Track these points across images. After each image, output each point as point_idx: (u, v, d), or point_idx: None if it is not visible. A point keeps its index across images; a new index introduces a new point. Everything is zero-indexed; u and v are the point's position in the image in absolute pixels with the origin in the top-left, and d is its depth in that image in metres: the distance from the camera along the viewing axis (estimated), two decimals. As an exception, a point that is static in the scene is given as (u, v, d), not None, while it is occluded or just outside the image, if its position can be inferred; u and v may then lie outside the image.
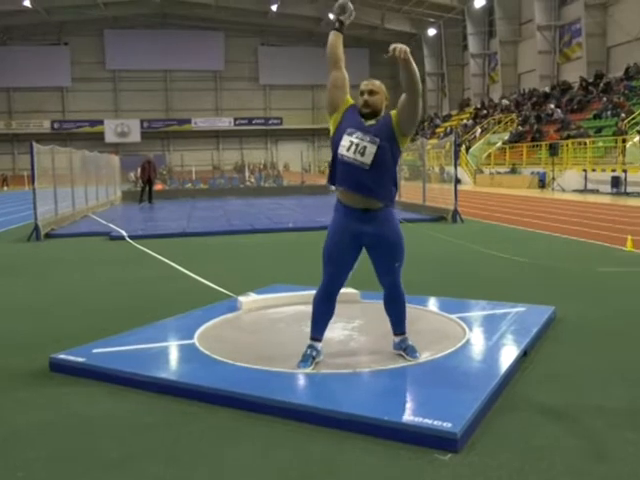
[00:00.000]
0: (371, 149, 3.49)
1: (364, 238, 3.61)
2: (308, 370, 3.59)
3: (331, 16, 3.87)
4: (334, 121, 3.65)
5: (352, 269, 3.70)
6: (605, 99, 27.20)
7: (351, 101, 3.66)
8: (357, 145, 3.50)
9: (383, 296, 3.83)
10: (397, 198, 3.85)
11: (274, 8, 44.18)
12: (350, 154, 3.52)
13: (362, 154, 3.50)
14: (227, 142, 51.69)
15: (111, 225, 13.09)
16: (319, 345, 3.76)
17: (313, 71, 51.30)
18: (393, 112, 3.60)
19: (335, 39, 3.66)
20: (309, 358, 3.66)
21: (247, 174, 33.58)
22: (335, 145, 3.60)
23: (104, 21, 46.91)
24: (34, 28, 46.17)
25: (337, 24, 3.67)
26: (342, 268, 3.65)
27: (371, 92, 3.57)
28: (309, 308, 3.82)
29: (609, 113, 25.89)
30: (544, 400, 3.30)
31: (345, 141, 3.54)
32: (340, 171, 3.58)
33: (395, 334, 3.87)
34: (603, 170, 22.23)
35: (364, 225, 3.58)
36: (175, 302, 5.77)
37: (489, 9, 40.43)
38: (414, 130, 3.64)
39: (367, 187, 3.52)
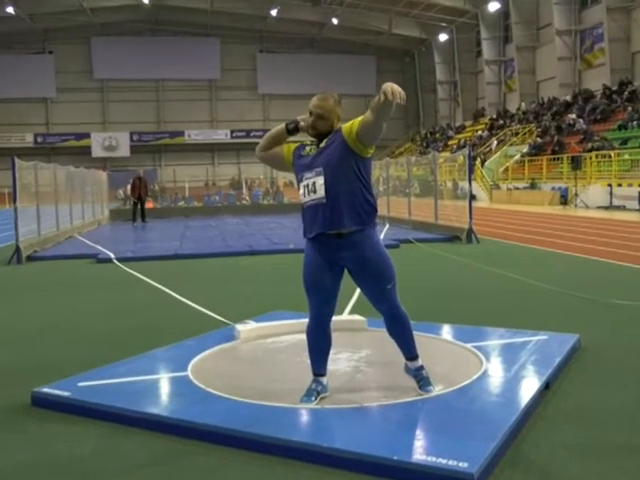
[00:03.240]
0: (319, 181, 3.57)
1: (343, 262, 3.67)
2: (311, 405, 3.59)
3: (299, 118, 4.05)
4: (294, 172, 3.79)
5: (337, 295, 3.73)
6: (630, 108, 27.32)
7: (292, 146, 3.80)
8: (307, 185, 3.62)
9: (385, 323, 3.83)
10: (379, 212, 3.91)
11: (273, 13, 44.67)
12: (307, 198, 3.63)
13: (314, 191, 3.59)
14: (223, 156, 51.99)
15: (98, 247, 13.13)
16: (324, 380, 3.76)
17: (315, 79, 51.62)
18: (345, 126, 3.60)
19: (282, 137, 3.79)
20: (313, 392, 3.67)
21: (245, 190, 33.68)
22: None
23: (91, 28, 47.43)
24: (17, 36, 46.70)
25: (292, 126, 3.75)
26: (326, 295, 3.68)
27: (320, 117, 3.63)
28: (312, 337, 3.83)
29: (635, 123, 25.99)
30: (568, 437, 3.29)
31: (300, 190, 3.67)
32: (306, 219, 3.68)
33: (407, 359, 3.84)
34: (630, 185, 22.24)
35: (341, 251, 3.62)
36: (167, 330, 5.77)
37: (504, 13, 40.82)
38: (376, 141, 3.65)
39: (330, 220, 3.56)
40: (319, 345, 3.75)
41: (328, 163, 3.57)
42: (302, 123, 3.70)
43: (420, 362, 3.83)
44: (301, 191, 3.66)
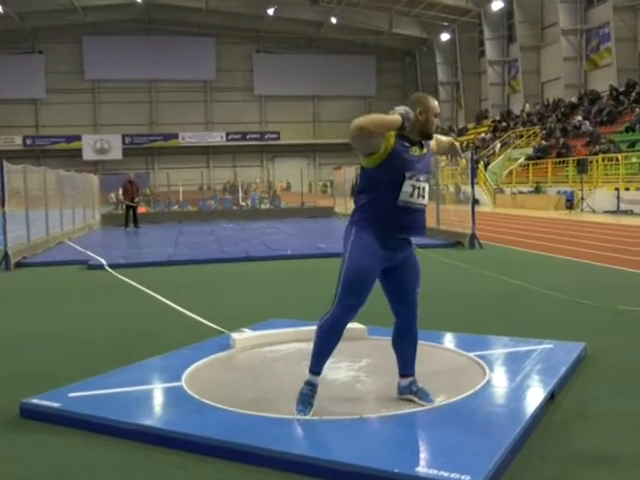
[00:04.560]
0: (427, 188, 3.71)
1: (391, 263, 3.69)
2: (309, 416, 3.59)
3: (404, 111, 3.97)
4: (379, 157, 3.61)
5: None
6: (638, 110, 27.41)
7: (392, 134, 3.59)
8: (419, 188, 3.63)
9: (395, 330, 3.82)
10: None
11: (270, 12, 44.80)
12: (415, 200, 3.62)
13: (424, 196, 3.67)
14: (218, 159, 52.05)
15: (89, 252, 13.13)
16: (318, 379, 3.72)
17: (313, 81, 51.90)
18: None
19: (391, 129, 3.54)
20: (308, 400, 3.65)
21: (241, 195, 33.73)
22: (384, 185, 3.59)
23: (82, 27, 47.54)
24: (5, 35, 46.79)
25: (408, 124, 3.55)
26: (363, 299, 3.64)
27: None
28: (311, 346, 3.82)
29: (643, 125, 26.08)
30: (575, 448, 3.29)
31: (407, 187, 3.59)
32: (404, 220, 3.63)
33: (402, 375, 3.85)
34: (637, 189, 22.29)
35: (397, 251, 3.69)
36: (160, 339, 5.77)
37: (508, 12, 40.95)
38: None
39: (424, 227, 3.78)
40: (330, 346, 3.70)
41: (430, 172, 3.83)
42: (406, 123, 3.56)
43: (415, 377, 3.85)
44: (408, 191, 3.57)
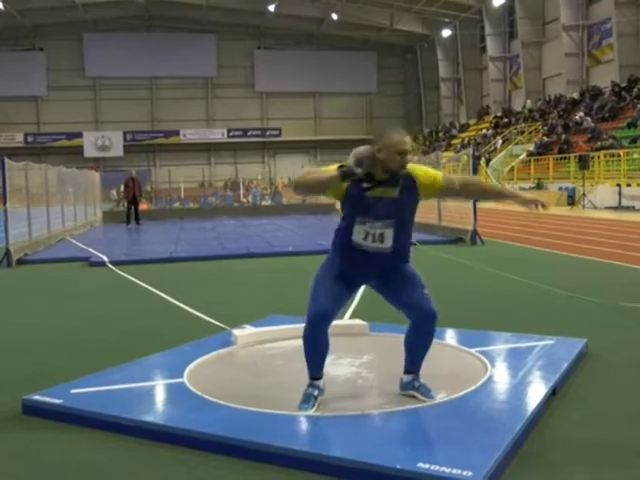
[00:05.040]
0: (388, 232, 3.61)
1: (366, 281, 3.90)
2: (311, 412, 3.59)
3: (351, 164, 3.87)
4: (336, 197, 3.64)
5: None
6: (640, 106, 27.39)
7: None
8: (373, 235, 3.61)
9: (408, 328, 3.80)
10: None
11: (271, 8, 44.71)
12: (368, 244, 3.63)
13: (381, 241, 3.62)
14: (220, 156, 52.00)
15: (90, 249, 13.14)
16: (321, 383, 3.76)
17: (315, 77, 51.81)
18: (424, 177, 3.56)
19: (333, 185, 3.45)
20: (311, 398, 3.67)
21: (242, 191, 33.72)
22: (346, 219, 3.67)
23: (83, 24, 47.49)
24: (6, 32, 46.71)
25: (350, 173, 3.38)
26: (322, 306, 3.75)
27: (406, 154, 3.46)
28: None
29: (645, 121, 26.05)
30: (576, 444, 3.29)
31: (357, 233, 3.62)
32: (357, 257, 3.68)
33: (408, 372, 3.86)
34: (639, 185, 22.27)
35: (367, 276, 3.85)
36: (162, 336, 5.78)
37: (509, 8, 40.85)
38: None
39: (390, 264, 3.76)
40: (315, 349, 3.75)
41: (402, 216, 3.58)
42: (359, 170, 3.34)
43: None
44: (359, 235, 3.55)
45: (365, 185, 3.47)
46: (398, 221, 3.57)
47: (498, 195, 3.97)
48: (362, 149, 3.44)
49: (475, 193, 4.02)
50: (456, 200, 14.72)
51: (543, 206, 3.69)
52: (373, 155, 3.41)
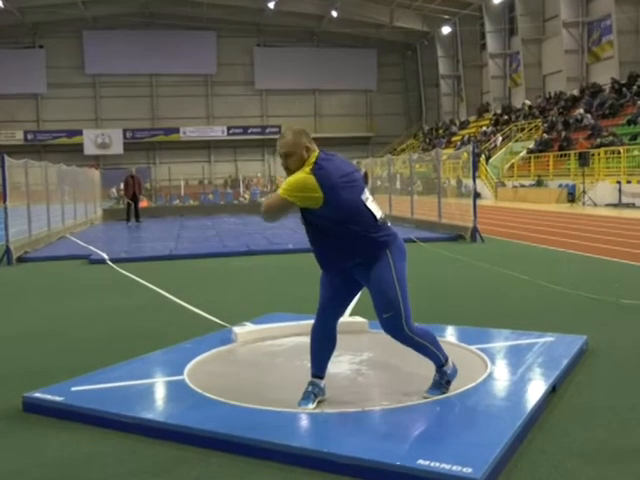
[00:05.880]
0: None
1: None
2: (310, 409, 3.60)
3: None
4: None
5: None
6: (640, 103, 27.35)
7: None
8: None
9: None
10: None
11: (271, 5, 44.68)
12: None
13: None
14: (220, 153, 51.97)
15: (91, 247, 13.14)
16: (322, 382, 3.78)
17: (314, 74, 51.76)
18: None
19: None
20: (311, 396, 3.68)
21: (242, 189, 33.72)
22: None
23: (83, 21, 47.42)
24: (6, 30, 46.65)
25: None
26: (322, 307, 3.84)
27: (287, 155, 3.55)
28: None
29: (645, 118, 26.02)
30: (576, 441, 3.30)
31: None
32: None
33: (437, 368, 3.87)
34: (639, 182, 22.26)
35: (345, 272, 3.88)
36: (162, 333, 5.79)
37: (509, 4, 40.81)
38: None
39: (321, 264, 3.84)
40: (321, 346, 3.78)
41: (306, 216, 3.69)
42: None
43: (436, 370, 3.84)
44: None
45: None
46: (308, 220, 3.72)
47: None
48: None
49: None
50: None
51: None
52: None
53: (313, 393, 3.69)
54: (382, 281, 3.59)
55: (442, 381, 3.78)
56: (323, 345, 3.76)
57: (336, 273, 3.71)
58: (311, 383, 3.75)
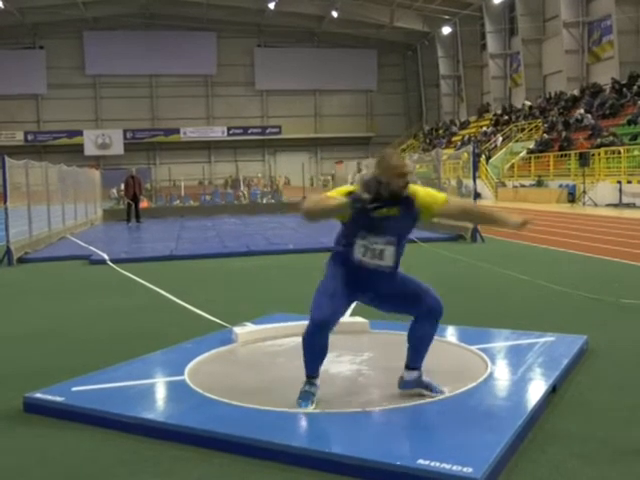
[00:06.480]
0: (389, 250, 3.73)
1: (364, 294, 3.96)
2: (310, 409, 3.60)
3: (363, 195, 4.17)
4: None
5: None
6: (640, 103, 27.34)
7: (344, 196, 3.65)
8: (373, 250, 3.73)
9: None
10: None
11: (271, 6, 44.66)
12: (368, 260, 3.73)
13: (381, 259, 3.76)
14: (220, 154, 51.96)
15: (91, 247, 13.14)
16: (318, 381, 3.76)
17: (315, 74, 51.74)
18: (424, 199, 3.68)
19: (342, 211, 3.63)
20: (309, 396, 3.67)
21: (242, 189, 33.72)
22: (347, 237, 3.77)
23: (83, 22, 47.42)
24: (6, 31, 46.64)
25: (358, 201, 3.57)
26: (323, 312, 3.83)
27: (406, 175, 3.63)
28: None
29: (645, 118, 26.01)
30: (576, 441, 3.30)
31: (358, 248, 3.73)
32: (362, 272, 3.76)
33: (412, 368, 3.83)
34: (640, 182, 22.28)
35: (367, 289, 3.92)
36: (163, 333, 5.79)
37: (510, 5, 40.80)
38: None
39: (387, 278, 3.85)
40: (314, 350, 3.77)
41: (402, 234, 3.75)
42: (367, 195, 3.55)
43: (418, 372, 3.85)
44: (360, 250, 3.68)
45: (370, 206, 3.60)
46: (399, 239, 3.74)
47: (493, 221, 4.06)
48: (367, 175, 3.67)
49: (474, 219, 4.19)
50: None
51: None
52: (377, 179, 3.59)
53: (311, 392, 3.69)
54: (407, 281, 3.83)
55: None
56: (320, 353, 3.74)
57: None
58: (307, 382, 3.73)
